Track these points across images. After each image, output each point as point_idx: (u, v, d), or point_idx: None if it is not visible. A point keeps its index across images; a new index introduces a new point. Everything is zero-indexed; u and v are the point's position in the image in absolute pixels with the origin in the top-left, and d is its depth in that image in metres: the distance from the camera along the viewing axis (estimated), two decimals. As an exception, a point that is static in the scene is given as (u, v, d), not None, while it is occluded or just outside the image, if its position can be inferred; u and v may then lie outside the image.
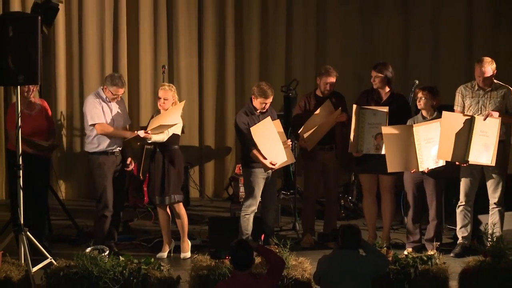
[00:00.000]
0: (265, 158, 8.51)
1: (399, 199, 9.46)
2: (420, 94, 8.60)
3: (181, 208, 8.73)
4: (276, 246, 7.39)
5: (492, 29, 11.63)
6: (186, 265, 8.16)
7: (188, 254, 8.68)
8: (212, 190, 11.73)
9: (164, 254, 8.73)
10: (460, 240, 8.70)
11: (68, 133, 11.39)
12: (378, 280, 6.84)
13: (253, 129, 8.49)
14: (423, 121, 8.55)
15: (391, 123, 8.56)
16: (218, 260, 7.35)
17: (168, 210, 8.73)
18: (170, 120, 8.50)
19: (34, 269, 7.63)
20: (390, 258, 7.31)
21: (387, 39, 11.71)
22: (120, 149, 8.72)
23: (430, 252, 7.59)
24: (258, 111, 8.63)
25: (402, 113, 8.74)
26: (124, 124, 8.79)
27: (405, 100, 9.01)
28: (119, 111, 8.72)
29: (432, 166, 8.45)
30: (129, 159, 8.84)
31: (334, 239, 6.84)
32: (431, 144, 8.41)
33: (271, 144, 8.56)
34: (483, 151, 8.34)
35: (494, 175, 8.56)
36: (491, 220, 8.58)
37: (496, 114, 8.38)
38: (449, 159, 8.40)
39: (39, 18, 7.81)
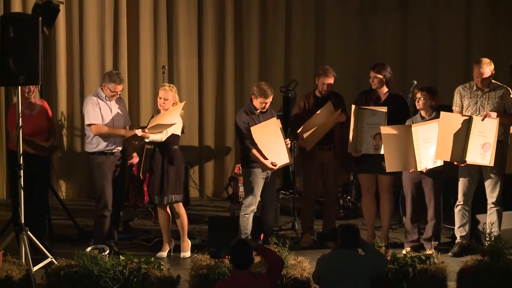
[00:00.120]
0: (265, 158, 8.53)
1: (398, 198, 9.46)
2: (418, 95, 8.61)
3: (180, 208, 8.74)
4: (275, 246, 7.38)
5: (490, 30, 11.63)
6: (186, 265, 8.16)
7: (188, 254, 8.70)
8: (211, 189, 11.74)
9: (164, 254, 8.74)
10: (458, 240, 8.71)
11: (68, 133, 11.40)
12: (377, 279, 6.84)
13: (253, 129, 8.50)
14: (422, 121, 8.56)
15: (389, 123, 8.58)
16: (217, 259, 7.35)
17: (168, 209, 8.74)
18: (169, 120, 8.52)
19: (35, 268, 7.64)
20: (388, 258, 7.32)
21: (386, 39, 11.70)
22: (120, 149, 8.73)
23: (429, 252, 7.58)
24: (258, 111, 8.64)
25: (401, 113, 8.76)
26: (124, 124, 8.80)
27: (403, 101, 9.02)
28: (119, 111, 8.74)
29: (431, 166, 8.47)
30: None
31: (333, 238, 6.83)
32: (429, 144, 8.43)
33: (272, 144, 8.58)
34: (481, 151, 8.36)
35: (492, 175, 8.57)
36: (489, 219, 8.60)
37: (494, 114, 8.40)
38: (447, 159, 8.42)
39: (40, 18, 7.83)
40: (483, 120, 8.37)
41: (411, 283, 7.27)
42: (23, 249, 7.69)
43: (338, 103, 8.96)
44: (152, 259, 7.40)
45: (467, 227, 8.70)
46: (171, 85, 8.86)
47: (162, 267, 7.34)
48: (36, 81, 7.87)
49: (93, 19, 11.28)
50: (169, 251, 8.81)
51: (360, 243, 6.70)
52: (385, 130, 8.47)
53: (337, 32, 11.71)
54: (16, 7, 11.02)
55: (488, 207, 8.67)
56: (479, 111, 8.54)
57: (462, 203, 8.68)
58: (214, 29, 11.52)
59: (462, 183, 8.66)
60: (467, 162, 8.40)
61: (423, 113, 8.64)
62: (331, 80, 8.91)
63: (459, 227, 8.72)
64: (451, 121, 8.38)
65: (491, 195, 8.63)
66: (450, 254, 8.59)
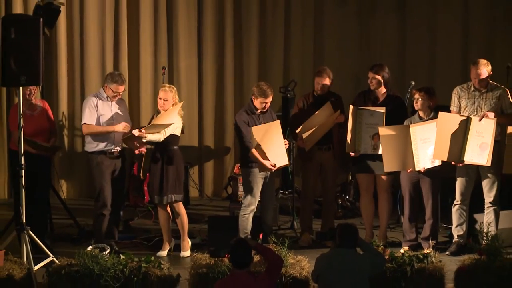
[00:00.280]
0: (264, 159, 8.56)
1: (396, 198, 9.48)
2: (417, 95, 8.63)
3: (180, 207, 8.76)
4: (275, 245, 7.39)
5: (487, 31, 11.63)
6: (185, 264, 8.18)
7: (188, 253, 8.71)
8: (211, 189, 11.76)
9: (164, 253, 8.76)
10: (455, 239, 8.73)
11: (69, 133, 11.42)
12: (375, 278, 6.86)
13: (254, 129, 8.53)
14: (420, 122, 8.59)
15: (387, 123, 8.60)
16: (217, 258, 7.37)
17: (168, 209, 8.76)
18: (166, 120, 8.54)
19: (36, 267, 7.64)
20: (386, 257, 7.33)
21: (384, 40, 11.71)
22: (120, 149, 8.76)
23: (426, 251, 7.60)
24: (258, 111, 8.67)
25: (399, 114, 8.78)
26: (125, 125, 8.86)
27: (401, 101, 9.04)
28: (119, 111, 8.76)
29: (428, 165, 8.49)
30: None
31: (331, 237, 6.88)
32: (427, 144, 8.45)
33: (272, 145, 8.59)
34: (479, 151, 8.38)
35: (489, 175, 8.59)
36: (486, 219, 8.62)
37: (491, 115, 8.42)
38: (445, 159, 8.44)
39: (41, 20, 7.85)
40: (480, 120, 8.39)
41: (409, 282, 7.28)
42: (24, 248, 7.70)
43: (336, 104, 8.98)
44: (152, 258, 7.41)
45: (464, 226, 8.72)
46: (171, 85, 8.88)
47: (162, 266, 7.34)
48: (37, 82, 7.89)
49: (93, 20, 11.29)
50: (169, 250, 8.83)
51: (358, 242, 6.71)
52: (383, 130, 8.50)
53: (336, 33, 11.73)
54: (18, 9, 11.04)
55: (486, 206, 8.69)
56: (476, 111, 8.56)
57: (459, 202, 8.70)
58: (214, 30, 11.54)
59: (459, 183, 8.68)
60: (465, 162, 8.43)
61: (421, 113, 8.66)
62: (325, 81, 8.93)
63: (456, 227, 8.74)
64: (449, 121, 8.40)
65: (489, 195, 8.65)
66: (447, 253, 8.62)
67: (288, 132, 9.22)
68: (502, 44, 11.57)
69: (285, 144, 8.73)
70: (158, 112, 8.78)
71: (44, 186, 8.79)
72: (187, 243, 8.80)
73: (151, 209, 10.11)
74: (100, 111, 8.67)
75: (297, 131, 8.88)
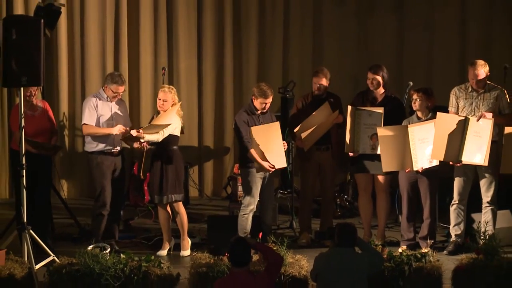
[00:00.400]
0: (263, 159, 8.59)
1: (394, 198, 9.48)
2: (415, 96, 8.64)
3: (180, 207, 8.78)
4: (274, 244, 7.40)
5: (485, 32, 11.64)
6: (185, 263, 8.19)
7: (187, 252, 8.73)
8: (211, 189, 11.78)
9: (164, 252, 8.78)
10: (453, 238, 8.75)
11: (70, 133, 11.45)
12: (374, 277, 6.87)
13: (253, 129, 8.55)
14: (418, 122, 8.62)
15: (386, 124, 8.62)
16: (217, 256, 7.37)
17: (168, 208, 8.78)
18: (164, 120, 8.56)
19: (37, 266, 7.65)
20: (385, 256, 7.35)
21: (383, 41, 11.71)
22: (119, 148, 8.80)
23: (424, 250, 7.62)
24: (258, 111, 8.70)
25: (397, 114, 8.79)
26: (124, 125, 8.78)
27: (399, 102, 9.05)
28: (119, 112, 8.79)
29: (426, 165, 8.51)
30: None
31: (330, 237, 6.88)
32: (425, 144, 8.47)
33: (271, 147, 8.61)
34: (476, 151, 8.40)
35: (487, 175, 8.61)
36: (484, 218, 8.64)
37: (489, 115, 8.43)
38: (443, 159, 8.46)
39: (42, 21, 7.86)
40: (478, 120, 8.41)
41: (407, 281, 7.31)
42: (25, 248, 7.72)
43: (335, 104, 9.00)
44: (153, 257, 7.43)
45: (462, 225, 8.74)
46: (170, 86, 8.90)
47: (162, 265, 7.37)
48: (38, 82, 7.91)
49: (94, 22, 11.32)
50: (169, 250, 8.85)
51: (357, 242, 6.72)
52: (382, 131, 8.52)
53: (335, 33, 11.73)
54: (19, 10, 11.07)
55: (483, 206, 8.71)
56: (474, 112, 8.57)
57: (457, 202, 8.71)
58: (213, 31, 11.56)
59: (457, 183, 8.70)
60: (463, 162, 8.45)
61: (419, 114, 8.68)
62: (322, 81, 8.94)
63: (454, 226, 8.76)
64: (447, 121, 8.42)
65: (486, 195, 8.67)
66: (445, 252, 8.64)
67: (287, 132, 9.23)
68: (500, 44, 11.58)
69: (284, 146, 8.75)
70: (158, 112, 8.79)
71: (45, 186, 8.81)
72: (187, 242, 8.82)
73: (151, 209, 10.13)
74: (100, 111, 8.69)
75: (295, 130, 8.91)
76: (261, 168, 8.61)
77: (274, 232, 8.96)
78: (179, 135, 8.80)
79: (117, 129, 8.60)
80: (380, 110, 8.72)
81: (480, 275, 7.36)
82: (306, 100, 9.10)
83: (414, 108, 8.71)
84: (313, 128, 8.84)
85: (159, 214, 8.85)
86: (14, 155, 8.49)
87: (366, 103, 8.90)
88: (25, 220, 7.81)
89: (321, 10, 11.77)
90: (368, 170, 8.90)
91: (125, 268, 7.22)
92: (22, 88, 7.91)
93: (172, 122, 8.61)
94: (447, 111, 8.68)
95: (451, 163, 8.53)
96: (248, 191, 8.72)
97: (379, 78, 8.85)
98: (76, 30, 11.37)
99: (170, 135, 8.63)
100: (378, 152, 8.64)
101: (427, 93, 8.67)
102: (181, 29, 11.52)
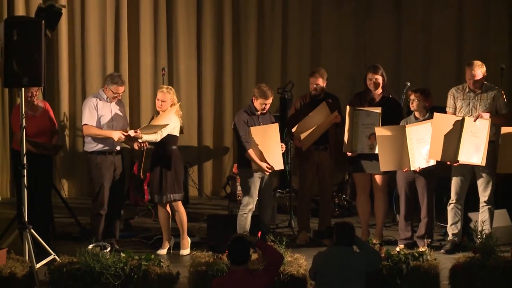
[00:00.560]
0: (261, 160, 8.62)
1: (392, 197, 9.51)
2: (412, 96, 8.66)
3: (180, 206, 8.79)
4: (273, 243, 7.40)
5: (482, 33, 11.67)
6: (185, 262, 8.19)
7: (187, 251, 8.75)
8: (210, 188, 11.81)
9: (164, 251, 8.80)
10: (450, 237, 8.77)
11: (70, 133, 11.47)
12: (372, 275, 6.89)
13: (253, 129, 8.59)
14: (416, 122, 8.64)
15: (383, 124, 8.64)
16: (216, 255, 7.38)
17: (168, 208, 8.81)
18: (162, 121, 8.59)
19: (38, 265, 7.67)
20: (382, 255, 7.36)
21: (380, 42, 11.74)
22: (119, 149, 8.80)
23: (422, 249, 7.66)
24: (258, 112, 8.73)
25: (395, 115, 8.81)
26: (123, 126, 8.85)
27: (397, 102, 9.06)
28: (119, 112, 8.81)
29: (424, 165, 8.53)
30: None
31: (328, 236, 6.78)
32: (422, 144, 8.49)
33: (269, 148, 8.64)
34: (474, 151, 8.42)
35: (484, 175, 8.64)
36: (481, 217, 8.67)
37: (486, 115, 8.46)
38: (440, 159, 8.49)
39: (43, 22, 7.87)
40: (475, 121, 8.44)
41: (404, 280, 7.32)
42: (26, 247, 7.73)
43: (333, 104, 9.01)
44: (152, 256, 7.43)
45: (459, 225, 8.76)
46: (169, 87, 8.91)
47: (162, 264, 7.37)
48: (39, 83, 7.92)
49: (94, 23, 11.35)
50: (169, 249, 8.87)
51: (355, 241, 6.74)
52: (380, 131, 8.54)
53: (333, 34, 11.75)
54: (20, 11, 11.09)
55: (480, 205, 8.73)
56: (471, 112, 8.60)
57: (454, 201, 8.74)
58: (213, 32, 11.58)
59: (454, 182, 8.73)
60: (460, 162, 8.48)
61: (417, 114, 8.70)
62: (318, 81, 8.95)
63: (451, 225, 8.78)
64: (444, 122, 8.44)
65: (483, 194, 8.70)
66: (442, 251, 8.67)
67: (285, 132, 9.26)
68: (496, 45, 11.61)
69: (282, 148, 8.78)
70: (158, 113, 8.84)
71: (46, 186, 8.84)
72: (187, 241, 8.85)
73: (151, 208, 10.15)
74: (100, 112, 8.70)
75: (293, 130, 8.96)
76: (258, 169, 8.65)
77: (273, 231, 9.00)
78: (178, 135, 8.82)
79: (117, 137, 8.57)
80: (378, 110, 8.74)
81: (477, 274, 7.36)
82: (304, 101, 9.12)
83: (412, 109, 8.73)
84: (312, 128, 8.87)
85: (159, 214, 8.87)
86: (15, 155, 8.51)
87: (364, 103, 8.91)
88: (26, 220, 7.82)
89: (320, 11, 11.79)
90: (366, 169, 8.92)
91: (125, 267, 7.23)
92: (23, 89, 7.92)
93: (170, 122, 8.63)
94: (444, 112, 8.70)
95: (448, 163, 8.55)
96: (247, 191, 8.75)
97: (380, 78, 8.87)
98: (76, 31, 11.39)
99: (169, 135, 8.65)
100: (376, 152, 8.66)
101: (424, 93, 8.69)
102: (180, 30, 11.55)
